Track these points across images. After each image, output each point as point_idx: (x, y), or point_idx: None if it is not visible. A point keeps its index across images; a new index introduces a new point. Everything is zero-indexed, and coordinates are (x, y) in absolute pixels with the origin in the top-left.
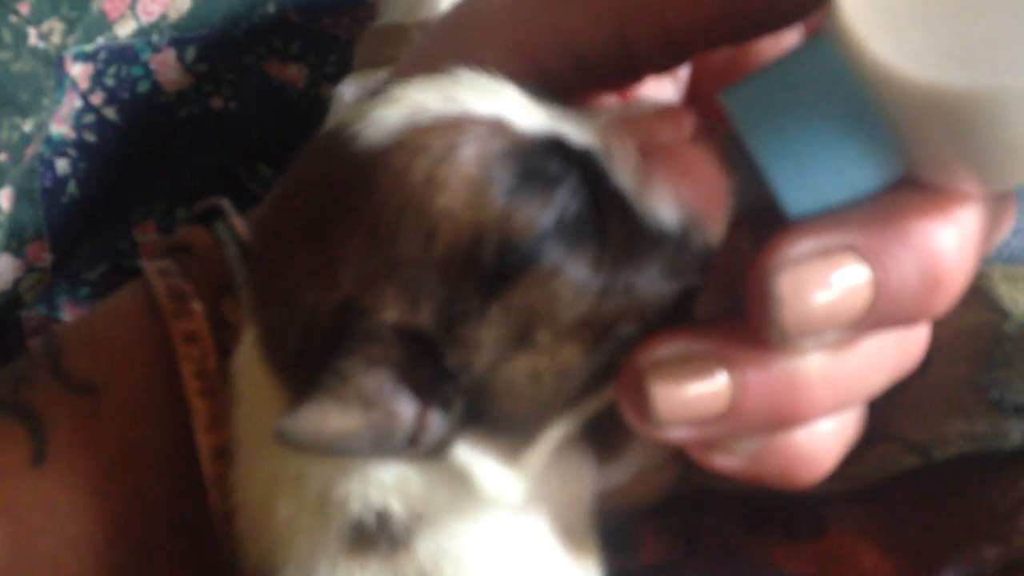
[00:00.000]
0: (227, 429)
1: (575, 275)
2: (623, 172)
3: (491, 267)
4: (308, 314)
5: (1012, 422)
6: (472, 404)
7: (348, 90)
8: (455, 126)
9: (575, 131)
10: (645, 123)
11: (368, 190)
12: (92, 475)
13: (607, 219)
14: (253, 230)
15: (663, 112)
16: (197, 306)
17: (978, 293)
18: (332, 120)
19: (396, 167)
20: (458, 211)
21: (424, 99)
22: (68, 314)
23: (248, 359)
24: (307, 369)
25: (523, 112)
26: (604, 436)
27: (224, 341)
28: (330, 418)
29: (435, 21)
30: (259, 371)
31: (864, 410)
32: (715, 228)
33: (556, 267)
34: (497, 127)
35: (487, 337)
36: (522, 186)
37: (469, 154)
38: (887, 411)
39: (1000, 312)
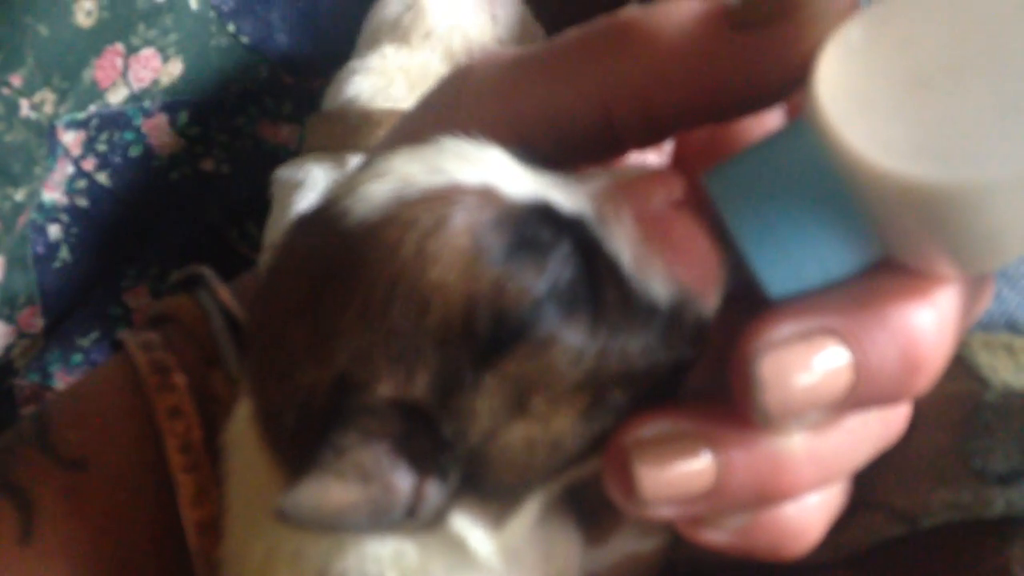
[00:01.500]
0: (213, 503)
1: (570, 343)
2: (616, 240)
3: (485, 337)
4: (304, 392)
5: (995, 490)
6: (468, 473)
7: (287, 173)
8: (443, 198)
9: (565, 197)
10: (636, 187)
11: (359, 266)
12: (79, 552)
13: (601, 286)
14: (241, 299)
15: (653, 176)
16: (180, 379)
17: (958, 362)
18: (279, 205)
19: (386, 242)
20: (451, 283)
21: (411, 171)
22: (61, 382)
23: (243, 434)
24: (304, 446)
25: (512, 179)
26: (592, 518)
27: (210, 414)
28: (329, 494)
29: (418, 99)
30: (254, 447)
31: (849, 480)
32: (709, 302)
33: (551, 335)
34: (486, 196)
35: (483, 407)
36: (514, 255)
37: (459, 225)
38: (872, 478)
39: (980, 381)
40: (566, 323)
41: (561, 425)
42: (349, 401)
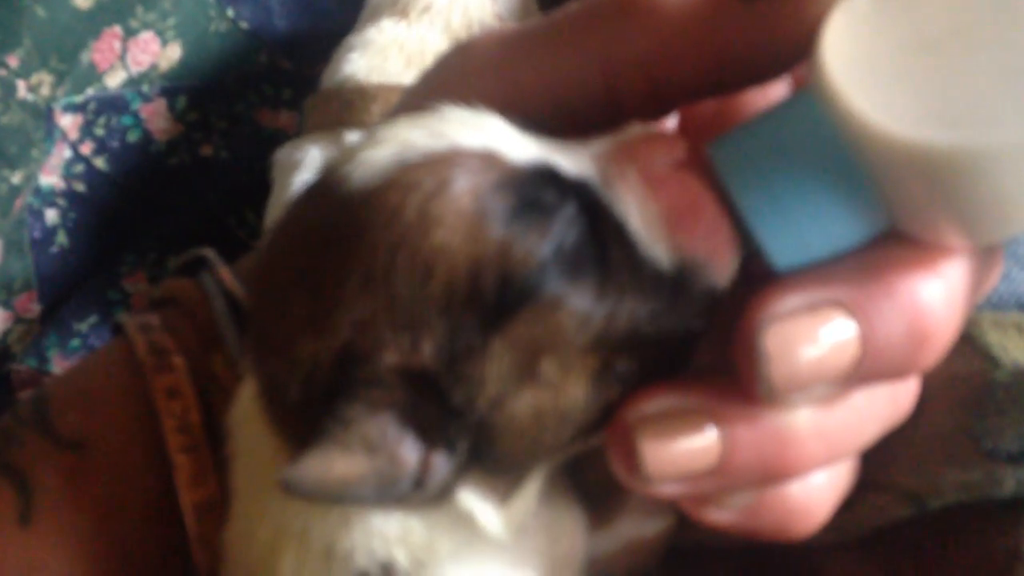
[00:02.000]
0: (211, 484)
1: (577, 305)
2: (623, 202)
3: (491, 301)
4: (308, 364)
5: (1005, 470)
6: (475, 445)
7: (285, 153)
8: (446, 161)
9: (569, 160)
10: (640, 148)
11: (361, 231)
12: (79, 534)
13: (608, 248)
14: (242, 281)
15: (656, 137)
16: (178, 360)
17: (968, 341)
18: (278, 186)
19: (388, 206)
20: (454, 247)
21: (412, 136)
22: (58, 367)
23: (247, 414)
24: (310, 420)
25: (514, 143)
26: (597, 501)
27: (210, 395)
28: (334, 465)
29: (419, 73)
30: (259, 425)
31: (857, 459)
32: (722, 272)
33: (558, 298)
34: (488, 159)
35: (491, 372)
36: (518, 217)
37: (462, 188)
38: (880, 459)
39: (990, 360)
40: (572, 285)
41: (570, 393)
42: (354, 372)
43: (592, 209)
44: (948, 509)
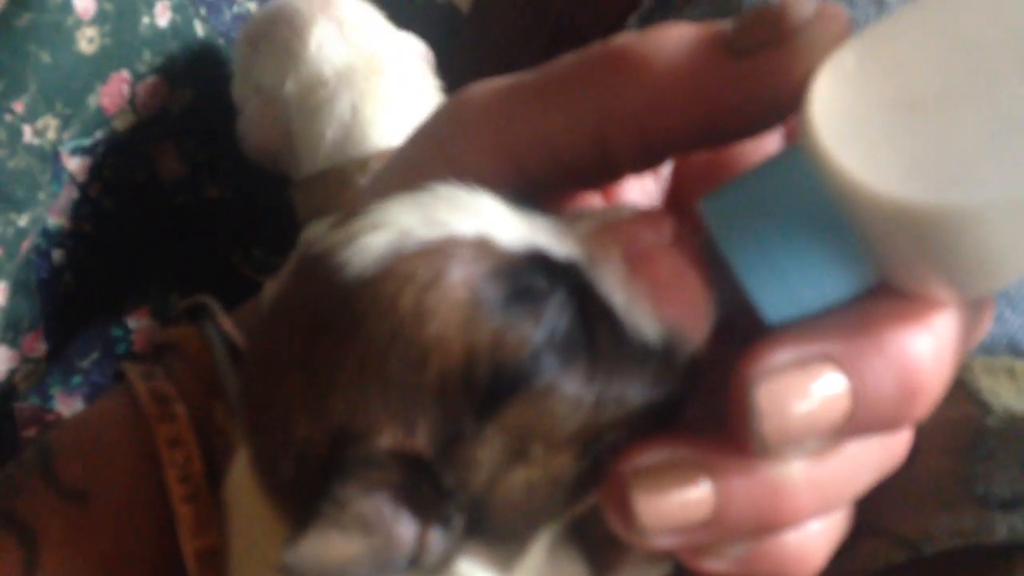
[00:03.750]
0: (213, 533)
1: (568, 391)
2: (608, 283)
3: (485, 389)
4: (302, 442)
5: (998, 517)
6: (471, 519)
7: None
8: (440, 251)
9: (558, 243)
10: (625, 229)
11: (357, 320)
12: None
13: (595, 332)
14: (243, 330)
15: (642, 216)
16: (180, 409)
17: (960, 386)
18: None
19: (384, 296)
20: (449, 337)
21: (408, 223)
22: (61, 404)
23: (242, 482)
24: (304, 497)
25: (506, 227)
26: (598, 553)
27: (211, 444)
28: (332, 546)
29: (407, 137)
30: (253, 496)
31: (852, 506)
32: (697, 338)
33: (549, 384)
34: (482, 247)
35: (483, 456)
36: (511, 305)
37: (456, 278)
38: (875, 504)
39: (982, 406)
40: (564, 371)
41: (560, 466)
42: (348, 452)
43: (580, 291)
44: (943, 555)
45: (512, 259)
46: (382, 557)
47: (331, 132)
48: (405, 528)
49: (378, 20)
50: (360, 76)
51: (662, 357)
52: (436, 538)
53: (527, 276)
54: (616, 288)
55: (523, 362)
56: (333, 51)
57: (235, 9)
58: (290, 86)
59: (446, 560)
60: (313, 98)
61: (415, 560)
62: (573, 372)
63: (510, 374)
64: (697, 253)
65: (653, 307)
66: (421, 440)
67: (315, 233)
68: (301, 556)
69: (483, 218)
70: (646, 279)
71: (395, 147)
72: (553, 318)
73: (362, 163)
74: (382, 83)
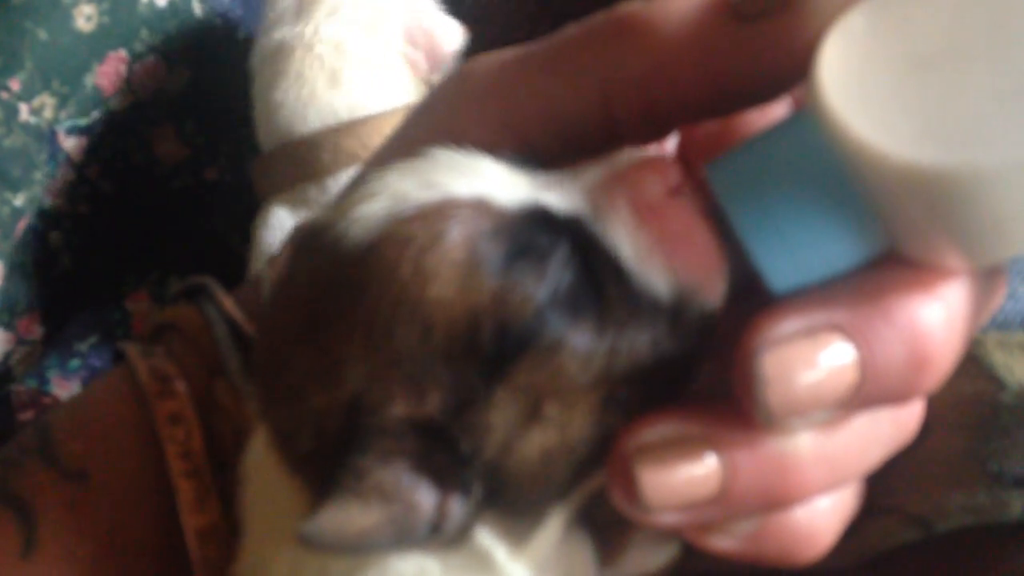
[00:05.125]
0: (212, 509)
1: (577, 346)
2: (614, 234)
3: (491, 350)
4: (317, 415)
5: (1012, 494)
6: (489, 487)
7: (256, 224)
8: (438, 212)
9: (559, 198)
10: (631, 177)
11: (360, 289)
12: (81, 564)
13: (603, 285)
14: (242, 309)
15: (647, 163)
16: (181, 386)
17: (973, 361)
18: (256, 252)
19: (384, 262)
20: (451, 299)
21: (404, 188)
22: (57, 387)
23: (261, 459)
24: (323, 468)
25: (505, 186)
26: (604, 536)
27: (211, 421)
28: (352, 517)
29: (420, 98)
30: (274, 471)
31: (862, 483)
32: (713, 293)
33: (557, 341)
34: (480, 207)
35: (496, 419)
36: (513, 264)
37: (455, 239)
38: (886, 481)
39: (996, 381)
40: (572, 327)
41: (576, 428)
42: (364, 422)
43: (585, 246)
44: (955, 532)
45: (512, 217)
46: (402, 526)
47: (285, 107)
48: (425, 496)
49: None
50: (286, 53)
51: (674, 310)
52: (456, 506)
53: (528, 234)
54: (624, 240)
55: (528, 320)
56: (279, 21)
57: None
58: (256, 52)
59: (466, 529)
60: (270, 67)
61: (436, 529)
62: (582, 327)
63: (516, 333)
64: (707, 204)
65: (663, 259)
66: (433, 406)
67: (255, 225)
68: (321, 528)
69: (481, 179)
70: (655, 230)
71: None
72: (556, 274)
73: (315, 140)
74: (299, 61)
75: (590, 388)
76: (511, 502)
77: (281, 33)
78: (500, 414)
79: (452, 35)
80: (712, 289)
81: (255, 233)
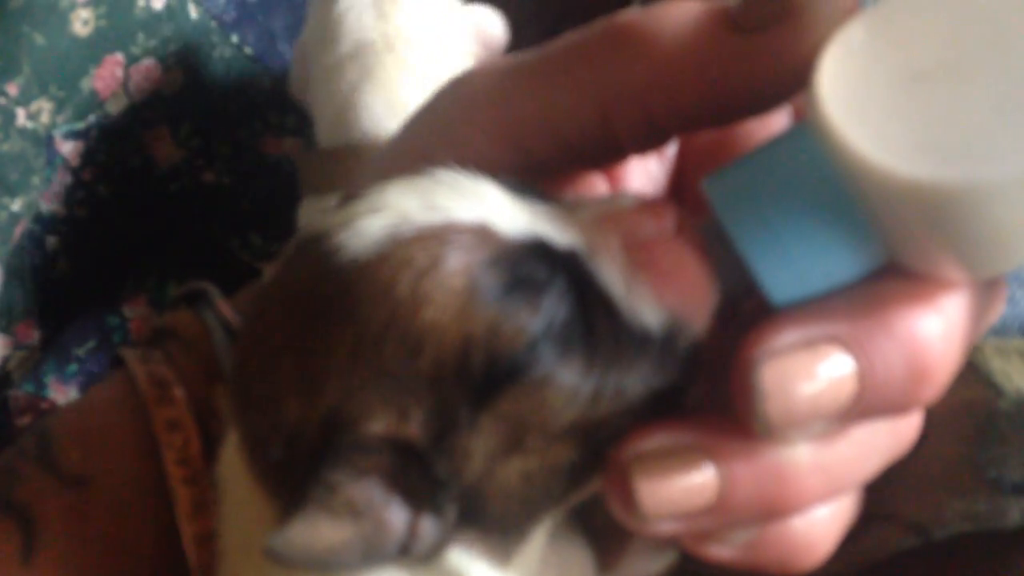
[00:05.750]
0: (211, 516)
1: (565, 382)
2: (608, 273)
3: (480, 378)
4: (292, 425)
5: (1010, 501)
6: (465, 508)
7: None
8: (439, 237)
9: (558, 231)
10: (627, 218)
11: (353, 303)
12: (80, 569)
13: (594, 322)
14: (242, 315)
15: (644, 206)
16: (179, 392)
17: (971, 368)
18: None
19: (381, 281)
20: (445, 324)
21: (406, 207)
22: (55, 392)
23: (232, 464)
24: (293, 480)
25: (506, 214)
26: (601, 543)
27: (210, 427)
28: (320, 532)
29: (405, 119)
30: (243, 477)
31: (860, 491)
32: (699, 325)
33: (546, 375)
34: (481, 234)
35: (478, 446)
36: (509, 295)
37: (454, 265)
38: (884, 489)
39: (994, 388)
40: (561, 362)
41: (557, 457)
42: (339, 437)
43: (580, 281)
44: (954, 539)
45: (512, 247)
46: (372, 544)
47: (331, 108)
48: (396, 515)
49: None
50: (371, 52)
51: (663, 345)
52: (428, 526)
53: (526, 265)
54: (616, 278)
55: (519, 353)
56: (356, 19)
57: None
58: (311, 43)
59: (438, 549)
60: (324, 65)
61: (405, 548)
62: (570, 363)
63: (506, 364)
64: (699, 242)
65: (653, 295)
66: (414, 427)
67: (308, 215)
68: (289, 541)
69: (483, 204)
70: (646, 268)
71: (385, 134)
72: (551, 309)
73: (354, 147)
74: (390, 64)
75: (574, 422)
76: (492, 522)
77: (360, 30)
78: (482, 441)
79: (501, 29)
80: (700, 319)
81: (300, 225)
